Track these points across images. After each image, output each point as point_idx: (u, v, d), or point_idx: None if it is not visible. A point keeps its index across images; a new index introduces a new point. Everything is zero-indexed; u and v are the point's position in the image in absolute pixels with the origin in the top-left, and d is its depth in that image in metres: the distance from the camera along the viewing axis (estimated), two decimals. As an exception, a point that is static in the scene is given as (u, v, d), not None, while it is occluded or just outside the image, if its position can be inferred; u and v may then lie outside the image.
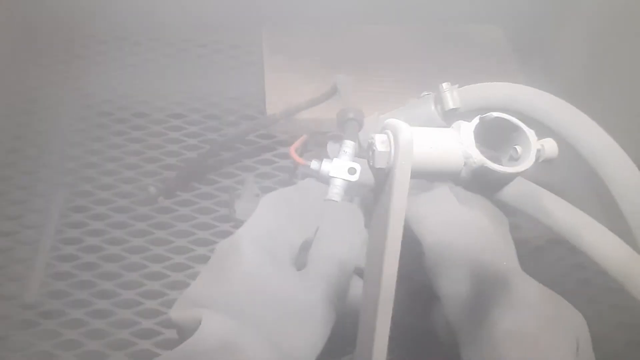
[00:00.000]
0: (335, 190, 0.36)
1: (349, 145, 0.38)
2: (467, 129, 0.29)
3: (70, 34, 0.64)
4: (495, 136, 0.30)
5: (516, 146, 0.30)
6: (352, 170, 0.36)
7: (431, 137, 0.29)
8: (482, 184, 0.30)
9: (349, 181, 0.36)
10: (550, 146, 0.30)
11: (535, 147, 0.29)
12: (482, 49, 0.62)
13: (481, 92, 0.38)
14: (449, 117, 0.38)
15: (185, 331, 0.31)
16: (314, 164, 0.37)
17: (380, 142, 0.28)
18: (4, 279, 0.46)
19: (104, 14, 0.63)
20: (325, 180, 0.36)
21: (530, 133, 0.29)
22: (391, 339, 0.30)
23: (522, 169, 0.29)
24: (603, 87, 0.56)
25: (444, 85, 0.38)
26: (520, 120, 0.30)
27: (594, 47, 0.58)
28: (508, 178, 0.29)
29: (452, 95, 0.37)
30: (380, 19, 0.64)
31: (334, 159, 0.37)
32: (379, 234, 0.29)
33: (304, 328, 0.33)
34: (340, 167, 0.36)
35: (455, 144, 0.29)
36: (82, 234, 0.49)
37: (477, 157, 0.28)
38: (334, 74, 0.60)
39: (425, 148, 0.28)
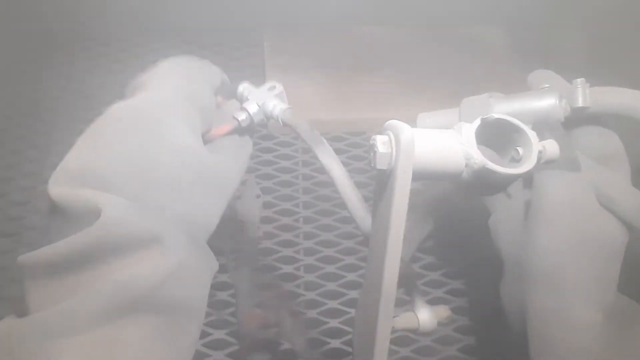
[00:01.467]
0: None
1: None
2: (468, 130, 0.29)
3: (71, 36, 0.64)
4: (497, 137, 0.30)
5: (518, 147, 0.30)
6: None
7: (432, 138, 0.29)
8: (484, 185, 0.30)
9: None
10: (551, 147, 0.30)
11: (537, 148, 0.29)
12: (483, 50, 0.62)
13: (611, 95, 0.36)
14: (573, 115, 0.36)
15: (70, 214, 0.26)
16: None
17: (381, 143, 0.28)
18: (6, 280, 0.46)
19: (105, 16, 0.63)
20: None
21: (531, 134, 0.30)
22: (392, 341, 0.30)
23: (524, 170, 0.29)
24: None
25: (578, 80, 0.36)
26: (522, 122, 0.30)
27: (595, 49, 0.58)
28: (509, 179, 0.29)
29: (584, 92, 0.35)
30: (381, 20, 0.64)
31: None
32: (381, 235, 0.29)
33: (211, 193, 0.29)
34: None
35: (457, 145, 0.29)
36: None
37: (479, 158, 0.28)
38: (335, 75, 0.60)
39: (427, 149, 0.28)
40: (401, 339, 0.43)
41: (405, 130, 0.27)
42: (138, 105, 0.29)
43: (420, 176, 0.29)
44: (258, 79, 0.61)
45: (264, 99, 0.32)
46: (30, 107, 0.58)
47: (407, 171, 0.28)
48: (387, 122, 0.28)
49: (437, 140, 0.29)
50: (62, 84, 0.60)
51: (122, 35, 0.64)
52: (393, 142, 0.28)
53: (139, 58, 0.63)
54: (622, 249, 0.33)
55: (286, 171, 0.54)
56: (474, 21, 0.65)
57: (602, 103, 0.36)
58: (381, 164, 0.28)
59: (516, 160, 0.30)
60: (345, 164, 0.54)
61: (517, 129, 0.30)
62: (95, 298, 0.24)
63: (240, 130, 0.32)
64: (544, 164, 0.30)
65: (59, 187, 0.26)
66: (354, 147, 0.55)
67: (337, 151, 0.55)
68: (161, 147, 0.27)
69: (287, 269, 0.47)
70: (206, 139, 0.31)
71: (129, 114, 0.28)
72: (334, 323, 0.44)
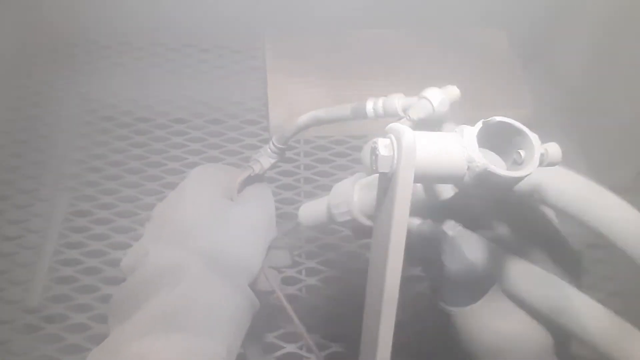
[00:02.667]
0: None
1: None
2: (470, 133, 0.29)
3: (74, 40, 0.64)
4: (499, 140, 0.30)
5: (520, 150, 0.30)
6: None
7: (434, 141, 0.29)
8: (486, 189, 0.29)
9: None
10: (553, 150, 0.30)
11: (539, 151, 0.29)
12: (485, 52, 0.62)
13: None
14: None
15: (133, 270, 0.34)
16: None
17: (383, 146, 0.28)
18: (8, 283, 0.46)
19: (107, 20, 0.63)
20: None
21: (533, 137, 0.29)
22: (394, 346, 0.30)
23: (526, 173, 0.29)
24: (605, 91, 0.56)
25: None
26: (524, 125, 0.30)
27: (597, 51, 0.58)
28: (511, 182, 0.29)
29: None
30: (382, 23, 0.64)
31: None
32: (382, 238, 0.29)
33: (242, 235, 0.35)
34: None
35: (459, 148, 0.29)
36: (85, 238, 0.49)
37: (480, 161, 0.28)
38: (337, 78, 0.60)
39: (429, 152, 0.28)
40: (403, 343, 0.43)
41: (406, 133, 0.27)
42: (171, 194, 0.37)
43: (422, 179, 0.29)
44: (259, 83, 0.62)
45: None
46: (32, 111, 0.58)
47: (408, 174, 0.27)
48: (388, 125, 0.28)
49: (439, 143, 0.29)
50: (63, 87, 0.60)
51: (124, 38, 0.64)
52: (395, 145, 0.28)
53: (141, 61, 0.63)
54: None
55: (288, 174, 0.54)
56: (476, 24, 0.65)
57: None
58: (383, 167, 0.28)
59: (518, 163, 0.30)
60: (347, 167, 0.55)
61: (519, 132, 0.30)
62: (140, 318, 0.30)
63: (255, 178, 0.37)
64: (546, 166, 0.30)
65: (124, 261, 0.34)
66: (356, 151, 0.55)
67: (339, 154, 0.56)
68: (184, 206, 0.35)
69: (289, 272, 0.47)
70: (230, 190, 0.37)
71: (166, 202, 0.37)
72: (336, 328, 0.44)
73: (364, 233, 0.34)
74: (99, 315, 0.44)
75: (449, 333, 0.33)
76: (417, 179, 0.28)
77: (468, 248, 0.31)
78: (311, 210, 0.36)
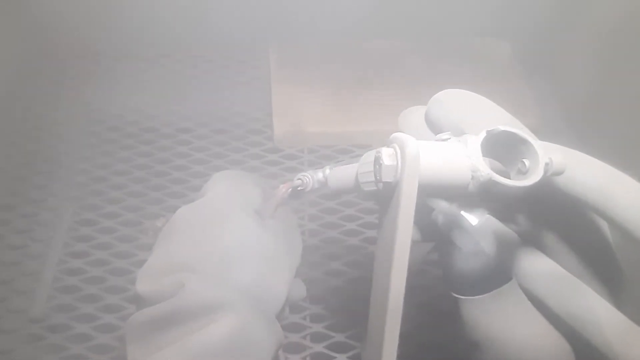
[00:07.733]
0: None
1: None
2: (474, 142, 0.29)
3: (80, 51, 0.65)
4: (503, 150, 0.30)
5: (524, 160, 0.30)
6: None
7: (438, 150, 0.29)
8: (490, 198, 0.29)
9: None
10: (558, 160, 0.30)
11: (543, 160, 0.29)
12: (488, 62, 0.63)
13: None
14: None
15: (156, 300, 0.31)
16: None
17: (387, 155, 0.28)
18: (12, 292, 0.46)
19: (114, 32, 0.64)
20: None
21: (537, 146, 0.29)
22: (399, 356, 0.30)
23: (530, 183, 0.29)
24: (609, 101, 0.56)
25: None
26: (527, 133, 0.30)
27: (601, 61, 0.58)
28: (516, 192, 0.29)
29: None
30: (386, 34, 0.65)
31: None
32: (386, 248, 0.29)
33: (276, 268, 0.34)
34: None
35: (463, 157, 0.29)
36: (90, 248, 0.49)
37: (485, 170, 0.28)
38: (341, 88, 0.60)
39: (433, 161, 0.28)
40: (407, 350, 0.42)
41: (410, 142, 0.27)
42: (200, 205, 0.35)
43: (426, 188, 0.29)
44: (264, 92, 0.62)
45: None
46: (39, 122, 0.59)
47: (412, 183, 0.27)
48: (392, 135, 0.28)
49: (442, 153, 0.29)
50: (70, 98, 0.61)
51: (130, 50, 0.65)
52: (399, 154, 0.28)
53: (147, 72, 0.64)
54: None
55: (292, 184, 0.54)
56: (479, 34, 0.65)
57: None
58: (387, 177, 0.28)
59: (523, 172, 0.30)
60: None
61: (523, 141, 0.30)
62: (176, 354, 0.29)
63: (296, 193, 0.36)
64: (551, 175, 0.30)
65: (144, 284, 0.32)
66: (360, 160, 0.55)
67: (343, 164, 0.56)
68: (223, 234, 0.33)
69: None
70: (269, 204, 0.36)
71: (194, 213, 0.34)
72: (339, 337, 0.44)
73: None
74: (102, 325, 0.44)
75: (455, 318, 0.32)
76: (421, 188, 0.28)
77: (486, 237, 0.31)
78: (340, 175, 0.35)
